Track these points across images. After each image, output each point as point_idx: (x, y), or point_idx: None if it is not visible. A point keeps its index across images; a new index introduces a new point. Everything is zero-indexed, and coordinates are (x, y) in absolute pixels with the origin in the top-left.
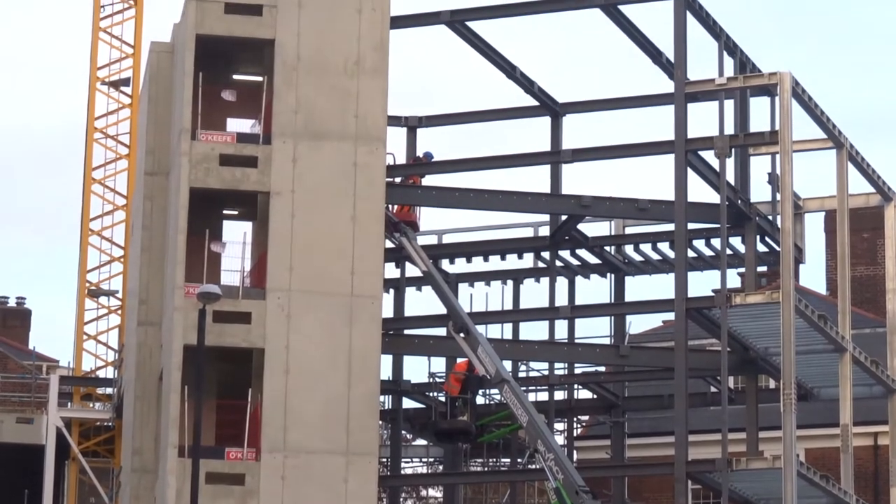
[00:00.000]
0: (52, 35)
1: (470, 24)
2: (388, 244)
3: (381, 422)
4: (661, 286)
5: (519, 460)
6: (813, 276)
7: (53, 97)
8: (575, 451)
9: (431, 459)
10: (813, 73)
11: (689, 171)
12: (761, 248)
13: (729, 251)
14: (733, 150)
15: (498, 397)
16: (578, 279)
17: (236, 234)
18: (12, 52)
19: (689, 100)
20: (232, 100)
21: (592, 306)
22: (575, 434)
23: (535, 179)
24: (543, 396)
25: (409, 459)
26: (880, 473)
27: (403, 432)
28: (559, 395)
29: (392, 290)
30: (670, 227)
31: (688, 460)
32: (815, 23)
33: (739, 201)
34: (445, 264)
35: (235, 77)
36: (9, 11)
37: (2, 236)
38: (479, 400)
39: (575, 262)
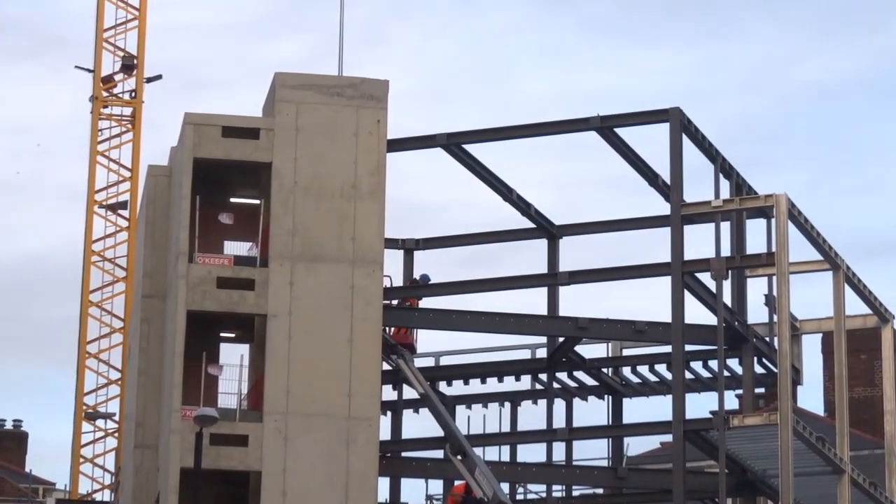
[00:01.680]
0: (49, 158)
1: (466, 146)
2: (386, 366)
3: None
4: (658, 408)
5: None
6: (811, 397)
7: (51, 221)
8: None
9: None
10: (809, 196)
11: (686, 293)
12: (759, 369)
13: (726, 373)
14: (730, 272)
15: None
16: (576, 401)
17: (233, 356)
18: (9, 175)
19: (685, 222)
20: (229, 223)
21: (590, 428)
22: None
23: (532, 301)
24: None
25: None
26: None
27: None
28: None
29: (389, 413)
30: (667, 349)
31: None
32: (810, 146)
33: (736, 323)
34: (443, 386)
35: (233, 200)
36: (4, 134)
37: (2, 360)
38: None
39: (572, 384)
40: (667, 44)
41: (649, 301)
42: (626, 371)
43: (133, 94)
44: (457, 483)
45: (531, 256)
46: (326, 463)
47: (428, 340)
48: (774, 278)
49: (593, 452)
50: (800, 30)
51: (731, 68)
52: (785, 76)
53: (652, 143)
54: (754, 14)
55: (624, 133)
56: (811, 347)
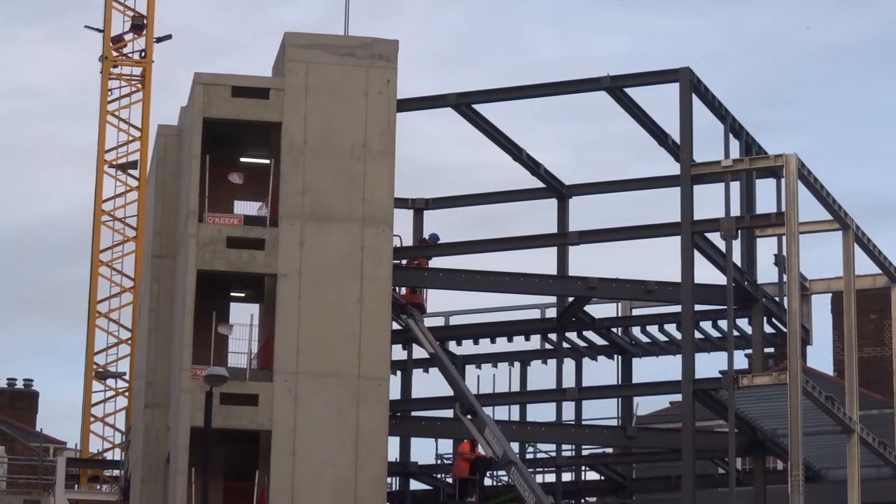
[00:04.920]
0: (59, 118)
1: (476, 106)
2: (395, 326)
3: (388, 503)
4: (668, 368)
5: None
6: (820, 357)
7: (61, 182)
8: None
9: None
10: (820, 158)
11: (696, 252)
12: (768, 329)
13: (736, 333)
14: (739, 231)
15: (506, 479)
16: (585, 361)
17: (243, 316)
18: (18, 136)
19: (695, 182)
20: (239, 182)
21: (599, 388)
22: None
23: (542, 261)
24: (551, 478)
25: None
26: None
27: None
28: (566, 476)
29: (399, 372)
30: (677, 308)
31: None
32: (822, 110)
33: (746, 283)
34: (452, 346)
35: (242, 160)
36: (15, 95)
37: (10, 320)
38: (487, 481)
39: (582, 343)
40: (678, 8)
41: (659, 261)
42: (636, 331)
43: (143, 54)
44: (464, 441)
45: (541, 216)
46: (336, 422)
47: (438, 300)
48: (784, 238)
49: (603, 412)
50: None
51: (743, 32)
52: (797, 40)
53: (662, 103)
54: None
55: (634, 93)
56: (820, 307)
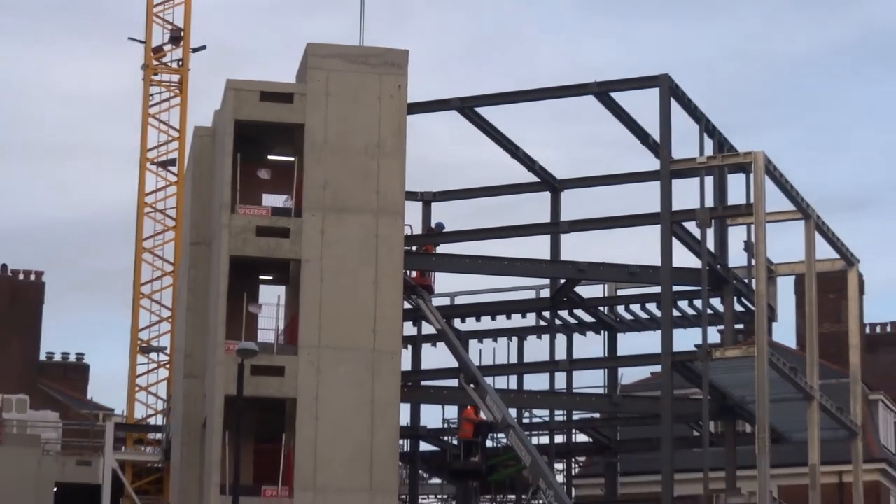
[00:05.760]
0: (106, 121)
1: (478, 109)
2: (406, 305)
3: (400, 463)
4: (649, 342)
5: (523, 497)
6: (784, 332)
7: (108, 178)
8: (573, 489)
9: (445, 496)
10: (788, 156)
11: (674, 239)
12: (738, 307)
13: (709, 311)
14: (713, 220)
15: (505, 441)
16: (575, 336)
17: (271, 296)
18: (69, 138)
19: (673, 176)
20: (266, 178)
21: (588, 360)
22: (573, 473)
23: (537, 247)
24: (545, 440)
25: (425, 496)
26: None
27: (420, 472)
28: (559, 438)
29: (410, 346)
30: (657, 289)
31: (673, 496)
32: (791, 112)
33: (718, 266)
34: (457, 323)
35: (270, 157)
36: (66, 100)
37: (64, 301)
38: (488, 443)
39: (572, 321)
40: (662, 18)
41: (641, 247)
42: (621, 309)
43: (180, 63)
44: (468, 408)
45: (536, 207)
46: (354, 391)
47: (444, 282)
48: (752, 227)
49: (591, 381)
50: (784, 3)
51: (722, 39)
52: (769, 48)
53: (644, 106)
54: None
55: (619, 97)
56: (785, 288)
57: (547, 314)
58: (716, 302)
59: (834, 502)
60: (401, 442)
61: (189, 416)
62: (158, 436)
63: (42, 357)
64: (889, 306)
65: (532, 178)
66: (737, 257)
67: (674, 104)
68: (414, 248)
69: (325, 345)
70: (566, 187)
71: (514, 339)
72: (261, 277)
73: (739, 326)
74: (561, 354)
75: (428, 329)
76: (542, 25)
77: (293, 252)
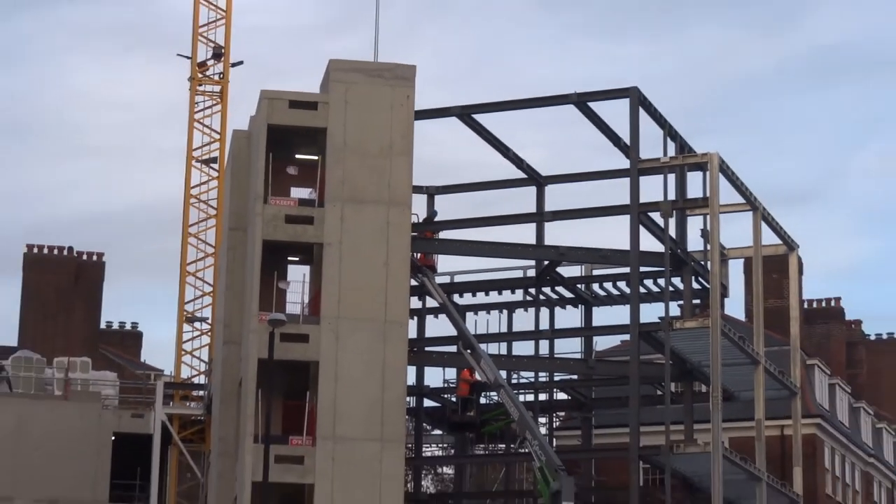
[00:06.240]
0: (158, 125)
1: (475, 116)
2: (413, 282)
3: (407, 417)
4: (619, 314)
5: (512, 446)
6: (734, 307)
7: (158, 174)
8: (554, 440)
9: (445, 446)
10: (735, 155)
11: (641, 227)
12: (695, 285)
13: (671, 288)
14: (674, 211)
15: (496, 398)
16: (557, 309)
17: (297, 275)
18: (125, 140)
19: (640, 174)
20: (294, 173)
21: (567, 330)
22: (554, 426)
23: (524, 234)
24: (530, 398)
25: (428, 445)
26: (786, 457)
27: (424, 425)
28: (542, 396)
29: (416, 317)
30: (626, 269)
31: (639, 446)
32: (741, 120)
33: (679, 251)
34: (456, 297)
35: (297, 156)
36: (121, 108)
37: (122, 277)
38: (482, 400)
39: (554, 296)
40: (633, 40)
41: (613, 234)
42: (595, 286)
43: (221, 76)
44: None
45: (523, 200)
46: (368, 355)
47: (445, 263)
48: (708, 217)
49: (569, 348)
50: (738, 27)
51: (683, 58)
52: (725, 65)
53: (616, 114)
54: (701, 17)
55: (595, 106)
56: (735, 269)
57: (532, 290)
58: (676, 281)
59: (776, 452)
60: (407, 399)
61: (227, 377)
62: (201, 393)
63: (102, 326)
64: (823, 284)
65: (520, 174)
66: (694, 243)
67: (642, 112)
68: (419, 233)
69: (343, 316)
70: (549, 183)
71: (504, 311)
72: (289, 258)
73: (696, 301)
74: (544, 325)
75: (431, 303)
76: (531, 45)
77: (316, 237)
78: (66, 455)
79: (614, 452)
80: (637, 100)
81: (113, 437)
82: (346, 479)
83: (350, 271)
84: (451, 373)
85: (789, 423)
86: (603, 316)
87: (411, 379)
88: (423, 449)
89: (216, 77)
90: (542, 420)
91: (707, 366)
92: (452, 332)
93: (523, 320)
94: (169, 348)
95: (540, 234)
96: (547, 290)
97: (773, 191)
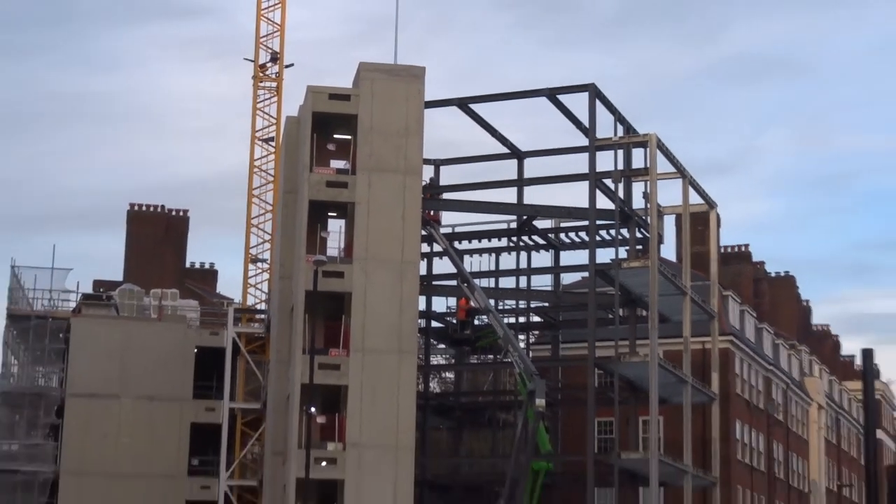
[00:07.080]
0: (230, 114)
1: (471, 105)
2: (423, 233)
3: (418, 334)
4: (580, 257)
5: (498, 357)
6: (668, 251)
7: (228, 150)
8: (530, 352)
9: (447, 356)
10: (670, 135)
11: (597, 191)
12: (639, 235)
13: (620, 237)
14: (622, 178)
15: (486, 320)
16: (533, 253)
17: (335, 226)
18: (205, 124)
19: (597, 150)
20: (333, 149)
21: (541, 269)
22: (530, 342)
23: (508, 195)
24: (512, 320)
25: (435, 356)
26: (706, 365)
27: (431, 340)
28: (521, 319)
29: (425, 259)
30: (586, 223)
31: (595, 357)
32: (680, 110)
33: (626, 208)
34: (456, 244)
35: (335, 136)
36: (202, 100)
37: (208, 231)
38: (476, 322)
39: (531, 243)
40: (592, 49)
41: (576, 195)
42: (562, 236)
43: (276, 75)
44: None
45: (508, 169)
46: (389, 288)
47: (448, 218)
48: (648, 183)
49: (543, 282)
50: (672, 41)
51: (630, 61)
52: (664, 66)
53: (579, 104)
54: (645, 31)
55: (563, 98)
56: (669, 223)
57: (514, 239)
58: (624, 231)
59: (699, 361)
60: (419, 321)
61: (282, 304)
62: (262, 316)
63: (187, 265)
64: (736, 234)
65: (505, 150)
66: (638, 202)
67: (598, 103)
68: (428, 195)
69: (370, 258)
70: (527, 157)
71: (493, 255)
72: (329, 214)
73: (639, 247)
74: (523, 264)
75: (437, 248)
76: (514, 54)
77: (350, 197)
78: (160, 363)
79: (576, 361)
80: (594, 94)
81: (195, 350)
82: (372, 381)
83: (375, 224)
84: (452, 301)
85: (709, 340)
86: (568, 258)
87: (422, 306)
88: (431, 359)
89: (273, 76)
90: (521, 337)
91: (647, 296)
92: (453, 270)
93: (507, 261)
94: (238, 282)
95: (520, 195)
96: (525, 238)
97: (698, 164)
